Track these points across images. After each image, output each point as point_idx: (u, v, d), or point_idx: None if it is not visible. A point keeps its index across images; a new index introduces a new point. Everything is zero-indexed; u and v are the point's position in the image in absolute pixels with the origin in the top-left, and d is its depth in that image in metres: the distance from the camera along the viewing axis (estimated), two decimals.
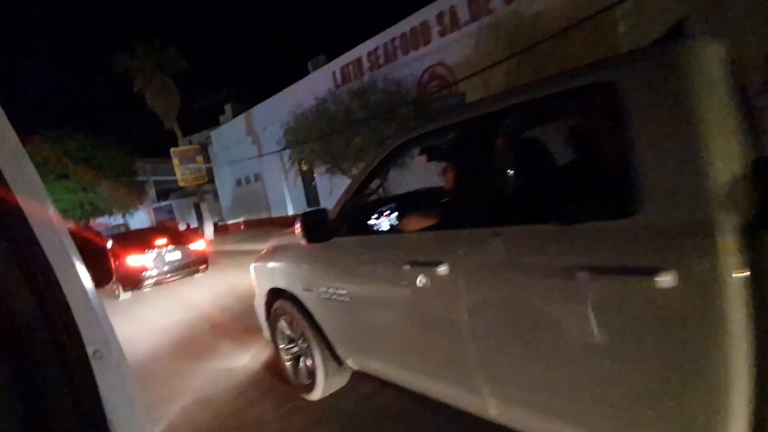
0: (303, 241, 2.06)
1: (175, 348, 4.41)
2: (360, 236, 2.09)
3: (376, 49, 11.16)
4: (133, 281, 7.65)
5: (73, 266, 0.74)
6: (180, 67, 15.42)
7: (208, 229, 16.97)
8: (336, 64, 12.36)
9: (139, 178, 22.14)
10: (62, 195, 18.98)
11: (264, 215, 17.94)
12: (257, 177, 17.76)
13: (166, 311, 6.27)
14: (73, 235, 0.80)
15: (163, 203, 22.11)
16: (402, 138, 1.93)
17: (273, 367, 3.27)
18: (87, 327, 0.71)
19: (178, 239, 8.55)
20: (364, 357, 2.18)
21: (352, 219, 2.12)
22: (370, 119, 8.20)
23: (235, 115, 20.46)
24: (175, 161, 16.00)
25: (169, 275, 8.01)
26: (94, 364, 0.71)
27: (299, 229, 2.05)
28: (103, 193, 19.23)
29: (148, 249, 7.87)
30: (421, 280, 1.58)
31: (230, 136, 18.82)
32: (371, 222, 2.78)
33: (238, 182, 19.24)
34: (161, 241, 8.19)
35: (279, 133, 11.14)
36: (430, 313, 1.62)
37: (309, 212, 2.00)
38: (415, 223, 1.86)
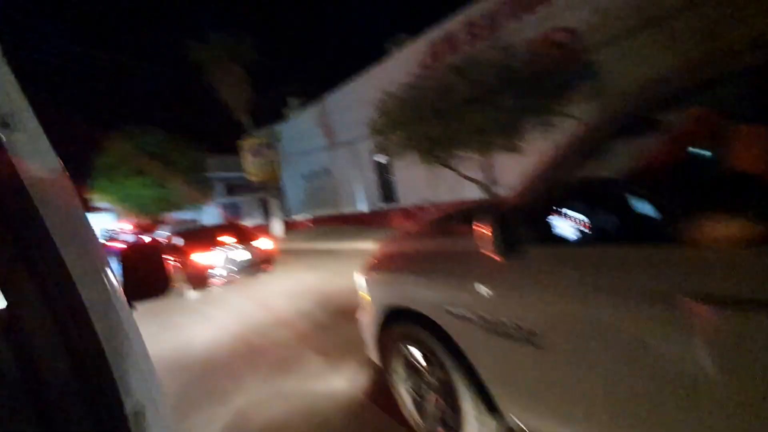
0: (482, 250, 1.49)
1: (253, 359, 3.63)
2: (577, 247, 1.33)
3: (473, 19, 9.55)
4: (199, 280, 7.30)
5: (112, 302, 0.66)
6: (250, 58, 14.79)
7: (277, 227, 16.31)
8: (425, 41, 10.90)
9: (209, 174, 22.28)
10: (139, 190, 19.33)
11: (333, 212, 17.03)
12: (327, 171, 16.87)
13: (238, 313, 5.53)
14: (126, 251, 0.84)
15: (231, 199, 22.01)
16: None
17: (382, 398, 2.56)
18: (127, 381, 0.63)
19: (246, 237, 8.22)
20: (546, 419, 1.50)
21: (554, 218, 1.38)
22: (491, 95, 6.64)
23: (299, 109, 19.84)
24: (246, 154, 15.44)
25: (236, 274, 7.61)
26: (134, 427, 0.62)
27: (479, 231, 1.47)
28: (176, 188, 19.36)
29: (216, 246, 7.61)
30: (722, 325, 0.95)
31: (298, 129, 18.11)
32: (592, 223, 1.44)
33: (306, 177, 18.50)
34: (229, 238, 7.91)
35: (353, 124, 9.94)
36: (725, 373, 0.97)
37: (505, 209, 1.40)
38: (717, 230, 1.02)
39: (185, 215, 22.29)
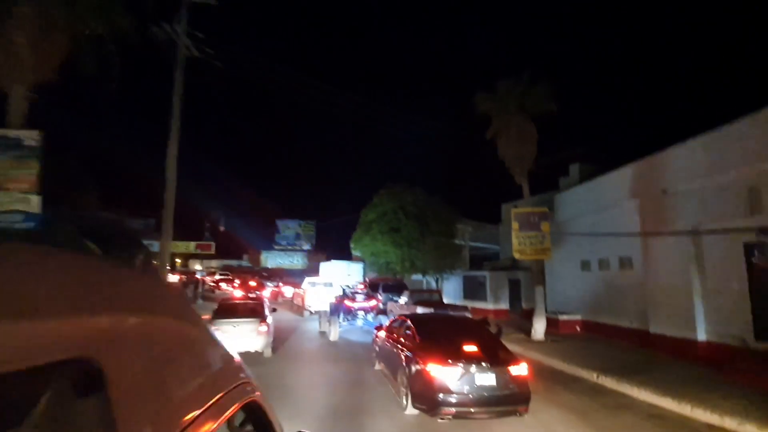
0: None
1: None
2: None
3: None
4: (428, 399, 5.48)
5: None
6: (545, 109, 11.84)
7: (539, 325, 11.92)
8: None
9: (457, 241, 20.32)
10: (390, 248, 18.95)
11: (625, 321, 11.37)
12: (626, 262, 11.59)
13: None
14: None
15: (476, 272, 19.15)
16: None
17: None
18: None
19: (493, 351, 5.82)
20: None
21: None
22: None
23: (582, 179, 15.50)
24: (515, 225, 12.16)
25: (476, 408, 5.36)
26: None
27: None
28: (426, 251, 17.98)
29: (455, 359, 5.50)
30: None
31: (584, 201, 13.73)
32: None
33: (584, 265, 13.60)
34: (472, 348, 5.71)
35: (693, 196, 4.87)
36: None
37: None
38: None
39: (425, 283, 20.79)
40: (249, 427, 1.18)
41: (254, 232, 46.51)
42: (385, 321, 13.03)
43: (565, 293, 14.63)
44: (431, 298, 14.50)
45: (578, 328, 13.45)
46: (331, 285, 19.38)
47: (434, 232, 18.45)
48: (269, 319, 9.67)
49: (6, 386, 0.41)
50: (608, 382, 7.72)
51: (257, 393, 1.07)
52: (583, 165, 16.81)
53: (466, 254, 21.09)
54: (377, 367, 8.22)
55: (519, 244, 12.20)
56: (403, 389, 6.05)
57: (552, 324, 12.63)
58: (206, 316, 9.25)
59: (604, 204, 12.36)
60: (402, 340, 6.69)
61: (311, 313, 17.94)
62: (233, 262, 56.36)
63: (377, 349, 8.31)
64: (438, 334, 6.37)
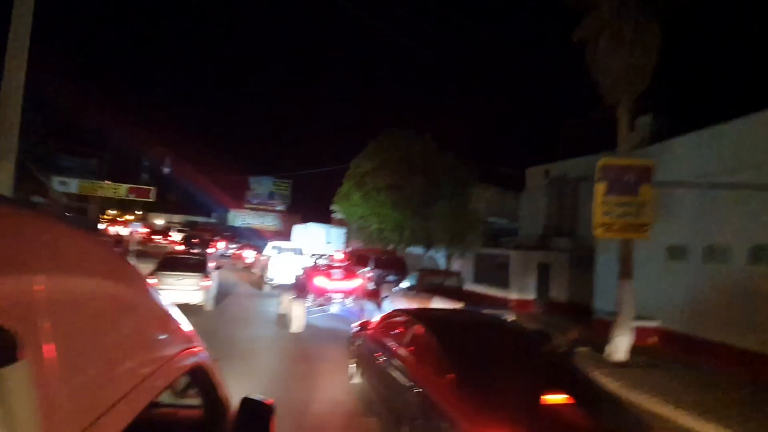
0: None
1: None
2: None
3: None
4: None
5: None
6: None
7: (621, 340, 7.75)
8: None
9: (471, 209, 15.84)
10: (388, 211, 14.37)
11: (751, 342, 7.39)
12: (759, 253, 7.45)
13: None
14: None
15: (496, 251, 14.80)
16: None
17: None
18: None
19: (595, 406, 3.06)
20: None
21: None
22: None
23: (655, 135, 11.20)
24: (601, 186, 7.68)
25: None
26: None
27: None
28: (439, 218, 13.46)
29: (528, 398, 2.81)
30: None
31: (700, 158, 9.28)
32: None
33: (675, 252, 9.43)
34: (560, 403, 2.88)
35: None
36: None
37: None
38: None
39: (426, 258, 16.32)
40: (193, 391, 1.15)
41: (226, 190, 42.10)
42: (373, 311, 8.64)
43: (649, 288, 10.42)
44: (449, 284, 10.11)
45: (654, 341, 9.45)
46: (300, 252, 15.08)
47: (448, 195, 13.92)
48: (213, 275, 10.16)
49: None
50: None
51: (204, 357, 1.05)
52: (658, 117, 12.43)
53: (479, 226, 16.69)
54: (356, 380, 5.45)
55: (605, 214, 7.79)
56: None
57: (603, 327, 8.49)
58: (149, 269, 9.39)
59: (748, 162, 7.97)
60: (412, 358, 3.91)
61: (272, 287, 13.59)
62: (200, 219, 53.82)
63: (358, 355, 5.48)
64: (485, 360, 3.45)
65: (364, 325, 5.80)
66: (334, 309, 8.53)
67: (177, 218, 53.09)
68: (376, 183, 14.22)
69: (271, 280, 13.50)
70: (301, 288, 9.25)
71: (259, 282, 15.03)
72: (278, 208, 40.55)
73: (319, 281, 8.25)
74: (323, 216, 24.96)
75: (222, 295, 12.08)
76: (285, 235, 26.52)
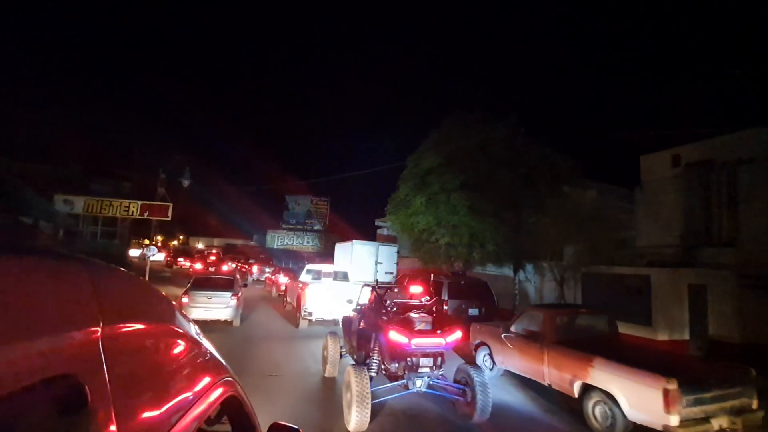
0: None
1: None
2: None
3: None
4: None
5: None
6: None
7: None
8: None
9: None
10: (463, 218, 10.73)
11: None
12: None
13: None
14: None
15: (621, 269, 10.55)
16: None
17: None
18: None
19: None
20: None
21: None
22: None
23: None
24: None
25: None
26: None
27: None
28: (536, 225, 9.63)
29: None
30: None
31: None
32: None
33: None
34: None
35: None
36: None
37: None
38: None
39: (516, 282, 12.29)
40: (224, 420, 1.16)
41: (265, 210, 41.03)
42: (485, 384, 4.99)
43: None
44: (599, 329, 6.20)
45: None
46: (346, 277, 11.71)
47: (547, 193, 10.10)
48: (239, 293, 10.65)
49: None
50: None
51: (236, 387, 1.06)
52: None
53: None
54: None
55: None
56: None
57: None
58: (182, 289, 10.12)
59: None
60: None
61: (310, 321, 10.28)
62: (239, 242, 54.63)
63: None
64: None
65: None
66: (420, 384, 4.73)
67: (217, 241, 54.11)
68: (444, 183, 10.63)
69: (309, 314, 10.10)
70: (354, 336, 5.73)
71: (293, 315, 11.69)
72: (316, 227, 38.13)
73: (396, 336, 4.47)
74: (363, 236, 22.16)
75: (244, 338, 8.95)
76: (325, 256, 23.82)
